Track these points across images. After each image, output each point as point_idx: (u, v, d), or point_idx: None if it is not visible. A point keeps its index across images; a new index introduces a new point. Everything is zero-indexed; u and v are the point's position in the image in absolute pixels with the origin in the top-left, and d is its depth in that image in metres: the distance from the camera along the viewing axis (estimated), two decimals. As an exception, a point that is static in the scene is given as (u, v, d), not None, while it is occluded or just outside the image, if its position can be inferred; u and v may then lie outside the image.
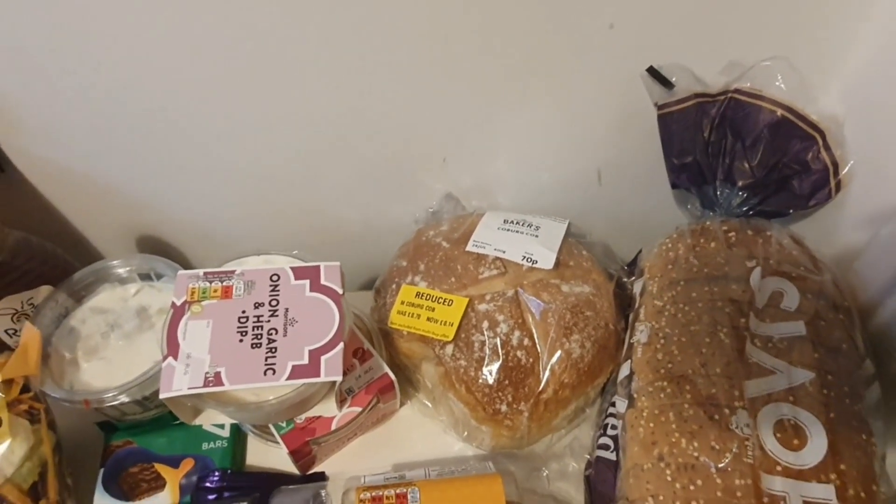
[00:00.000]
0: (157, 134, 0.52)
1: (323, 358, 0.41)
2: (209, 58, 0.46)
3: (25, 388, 0.44)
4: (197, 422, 0.49)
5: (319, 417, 0.45)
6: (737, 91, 0.49)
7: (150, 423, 0.49)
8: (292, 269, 0.45)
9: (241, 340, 0.41)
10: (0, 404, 0.41)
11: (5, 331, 0.48)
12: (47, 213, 0.59)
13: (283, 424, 0.45)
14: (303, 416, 0.45)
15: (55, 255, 0.50)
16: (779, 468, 0.35)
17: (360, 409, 0.46)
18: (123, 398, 0.45)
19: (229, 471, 0.47)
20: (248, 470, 0.49)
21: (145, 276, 0.52)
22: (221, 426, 0.49)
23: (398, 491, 0.39)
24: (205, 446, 0.48)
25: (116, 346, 0.48)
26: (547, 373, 0.45)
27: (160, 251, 0.59)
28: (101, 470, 0.47)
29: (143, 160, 0.55)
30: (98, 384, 0.46)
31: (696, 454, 0.36)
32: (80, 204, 0.59)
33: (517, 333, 0.46)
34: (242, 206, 0.61)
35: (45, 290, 0.49)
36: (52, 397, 0.44)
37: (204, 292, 0.43)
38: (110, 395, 0.45)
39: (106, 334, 0.48)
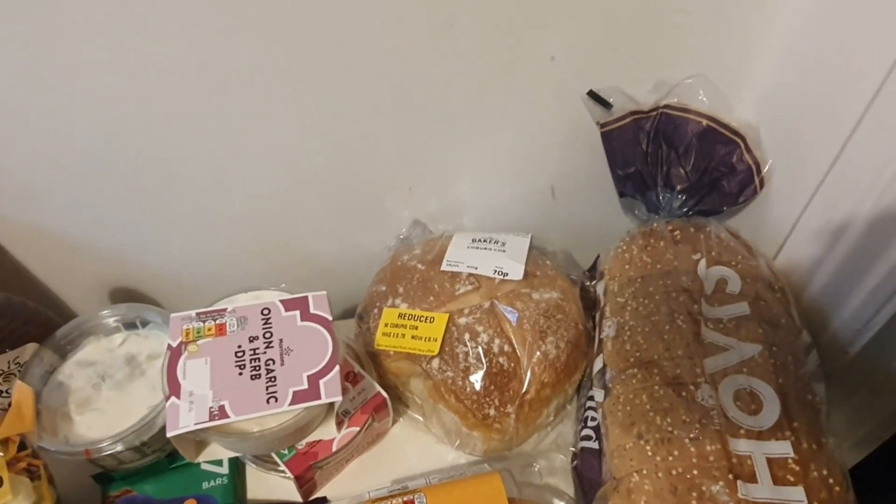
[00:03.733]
0: (125, 186, 0.53)
1: (321, 381, 0.43)
2: (179, 106, 0.48)
3: (22, 447, 0.44)
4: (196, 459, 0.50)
5: (320, 441, 0.47)
6: (666, 107, 0.55)
7: (147, 469, 0.49)
8: (282, 301, 0.47)
9: (240, 373, 0.43)
10: (0, 464, 0.42)
11: (-10, 393, 0.48)
12: (17, 273, 0.59)
13: (286, 451, 0.47)
14: (304, 442, 0.47)
15: (37, 312, 0.51)
16: (742, 431, 0.40)
17: (357, 429, 0.48)
18: (121, 446, 0.46)
19: (233, 506, 0.48)
20: (252, 503, 0.50)
21: (130, 325, 0.52)
22: (219, 463, 0.50)
23: (405, 499, 0.41)
24: (205, 485, 0.49)
25: (108, 396, 0.48)
26: (528, 374, 0.49)
27: (134, 301, 0.60)
28: (102, 522, 0.47)
29: (114, 212, 0.56)
30: (93, 435, 0.46)
31: (670, 428, 0.41)
32: (50, 261, 0.60)
33: (497, 341, 0.50)
34: (216, 250, 0.62)
35: (30, 348, 0.49)
36: (50, 452, 0.44)
37: (199, 332, 0.45)
38: (108, 443, 0.45)
39: (97, 385, 0.49)
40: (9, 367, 0.48)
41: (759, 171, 0.56)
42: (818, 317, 0.51)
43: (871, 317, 0.46)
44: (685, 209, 0.56)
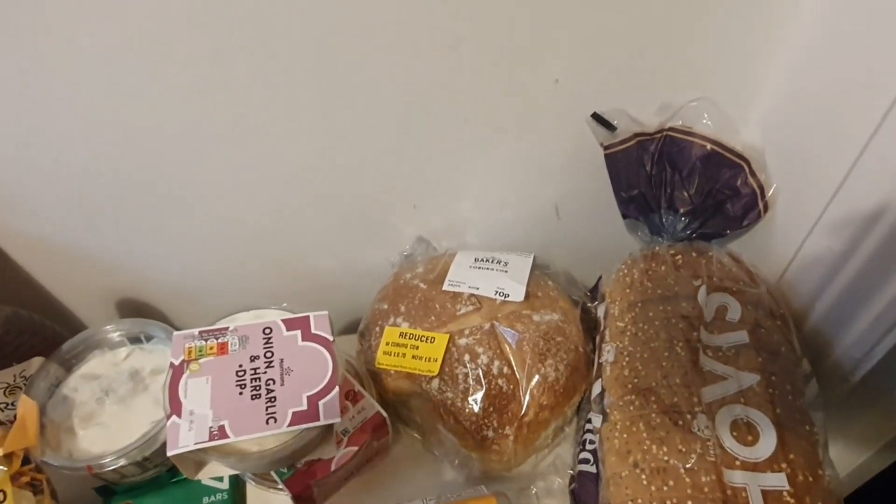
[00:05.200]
0: (132, 200, 0.54)
1: (321, 402, 0.43)
2: (182, 124, 0.49)
3: (25, 461, 0.45)
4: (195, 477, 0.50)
5: (319, 460, 0.47)
6: (671, 129, 0.55)
7: (148, 483, 0.50)
8: (283, 321, 0.47)
9: (240, 393, 0.44)
10: (3, 478, 0.42)
11: (-4, 405, 0.49)
12: (26, 285, 0.60)
13: (285, 470, 0.47)
14: (303, 461, 0.47)
15: (44, 326, 0.52)
16: (737, 463, 0.40)
17: (356, 448, 0.49)
18: (123, 461, 0.46)
19: (232, 521, 0.48)
20: (251, 519, 0.51)
21: (135, 340, 0.53)
22: (220, 479, 0.51)
23: (401, 521, 0.42)
24: (206, 500, 0.50)
25: (112, 411, 0.49)
26: (527, 397, 0.49)
27: (141, 314, 0.60)
28: (104, 535, 0.48)
29: (120, 227, 0.57)
30: (96, 450, 0.47)
31: (666, 458, 0.41)
32: (59, 274, 0.61)
33: (497, 363, 0.50)
34: (220, 264, 0.63)
35: (36, 361, 0.50)
36: (53, 466, 0.45)
37: (200, 350, 0.46)
38: (110, 459, 0.46)
39: (101, 400, 0.50)
40: (14, 381, 0.49)
41: (763, 194, 0.55)
42: (820, 344, 0.51)
43: (873, 346, 0.46)
44: (688, 232, 0.56)
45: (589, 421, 0.50)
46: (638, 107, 0.55)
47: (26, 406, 0.46)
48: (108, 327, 0.52)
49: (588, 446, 0.49)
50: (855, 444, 0.53)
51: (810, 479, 0.40)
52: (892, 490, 0.55)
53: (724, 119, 0.55)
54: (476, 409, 0.49)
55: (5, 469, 0.43)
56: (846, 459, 0.54)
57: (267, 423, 0.42)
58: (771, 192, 0.55)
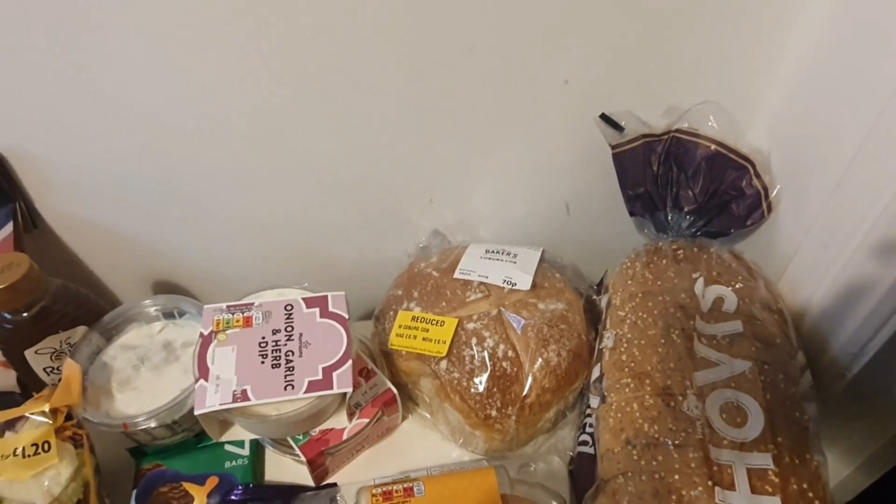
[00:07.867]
0: (170, 190, 0.59)
1: (335, 373, 0.47)
2: (218, 123, 0.53)
3: (68, 418, 0.49)
4: (219, 441, 0.54)
5: (332, 429, 0.51)
6: (677, 131, 0.57)
7: (177, 447, 0.54)
8: (304, 299, 0.51)
9: (262, 362, 0.47)
10: (49, 431, 0.47)
11: (44, 369, 0.54)
12: (72, 263, 0.65)
13: (301, 437, 0.51)
14: (317, 429, 0.51)
15: (88, 299, 0.56)
16: (725, 442, 0.42)
17: (367, 421, 0.52)
18: (154, 423, 0.50)
19: (251, 485, 0.52)
20: (268, 483, 0.54)
21: (169, 315, 0.57)
22: (241, 445, 0.54)
23: (405, 485, 0.45)
24: (227, 465, 0.53)
25: (146, 378, 0.53)
26: (530, 379, 0.52)
27: (172, 292, 0.65)
28: (134, 491, 0.52)
29: (159, 213, 0.61)
30: (131, 411, 0.51)
31: (656, 435, 0.43)
32: (101, 254, 0.65)
33: (502, 347, 0.53)
34: (248, 251, 0.67)
35: (80, 330, 0.54)
36: (93, 423, 0.50)
37: (228, 323, 0.50)
38: (143, 419, 0.50)
39: (136, 367, 0.54)
40: (60, 347, 0.53)
41: (767, 195, 0.57)
42: (817, 340, 0.52)
43: (867, 341, 0.48)
44: (693, 230, 0.58)
45: (589, 406, 0.52)
46: (645, 109, 0.58)
47: (71, 369, 0.50)
48: (145, 302, 0.57)
49: (588, 429, 0.51)
50: (859, 441, 0.54)
51: (797, 461, 0.41)
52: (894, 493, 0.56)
53: (730, 122, 0.57)
54: (481, 389, 0.52)
55: (51, 423, 0.47)
56: (851, 456, 0.55)
57: (285, 389, 0.46)
58: (774, 193, 0.57)
